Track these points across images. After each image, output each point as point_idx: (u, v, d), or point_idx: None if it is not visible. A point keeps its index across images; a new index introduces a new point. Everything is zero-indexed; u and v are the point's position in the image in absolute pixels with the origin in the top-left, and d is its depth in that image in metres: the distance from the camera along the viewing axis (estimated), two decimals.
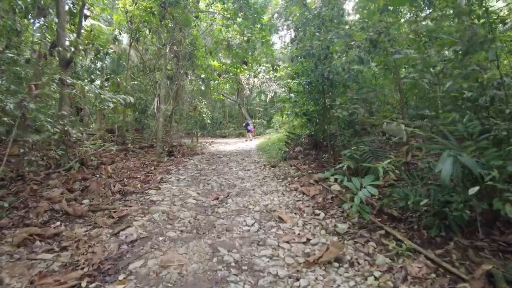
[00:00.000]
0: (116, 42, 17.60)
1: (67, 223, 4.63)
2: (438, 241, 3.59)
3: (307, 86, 7.14)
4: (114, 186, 6.58)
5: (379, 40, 4.64)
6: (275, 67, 12.03)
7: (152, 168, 9.40)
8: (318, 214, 4.69)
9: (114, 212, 5.11)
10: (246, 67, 15.24)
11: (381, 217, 4.31)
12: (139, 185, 7.02)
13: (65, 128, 6.60)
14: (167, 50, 12.83)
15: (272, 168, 8.88)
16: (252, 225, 4.36)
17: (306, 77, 6.75)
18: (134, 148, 12.79)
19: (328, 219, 4.49)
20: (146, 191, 6.52)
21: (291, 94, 8.44)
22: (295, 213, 4.79)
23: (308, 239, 3.82)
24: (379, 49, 4.84)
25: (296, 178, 7.17)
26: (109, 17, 19.12)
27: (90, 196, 6.02)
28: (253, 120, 29.26)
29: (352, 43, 4.70)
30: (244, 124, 24.55)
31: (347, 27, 5.90)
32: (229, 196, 6.05)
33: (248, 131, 23.37)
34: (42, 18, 9.18)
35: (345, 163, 5.14)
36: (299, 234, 3.99)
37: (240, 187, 6.92)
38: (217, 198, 5.91)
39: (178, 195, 6.22)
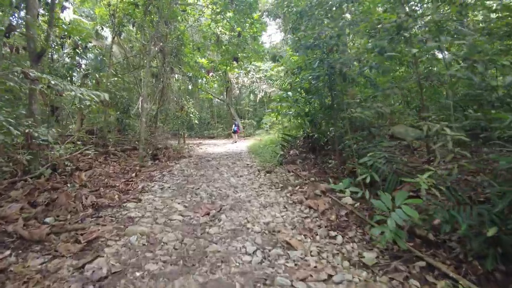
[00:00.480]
0: (99, 37, 16.54)
1: (20, 251, 3.65)
2: (499, 277, 2.78)
3: (313, 82, 6.26)
4: (86, 199, 5.58)
5: (405, 26, 3.83)
6: (277, 58, 11.06)
7: (134, 174, 8.42)
8: (335, 237, 3.83)
9: (82, 234, 4.14)
10: (236, 64, 14.33)
11: (413, 242, 3.48)
12: (116, 196, 6.04)
13: (27, 130, 5.61)
14: (152, 45, 11.84)
15: (268, 175, 8.01)
16: (253, 253, 3.47)
17: (312, 71, 5.87)
18: (115, 151, 11.75)
19: (348, 244, 3.63)
20: (124, 204, 5.55)
21: (288, 93, 7.57)
22: (305, 235, 3.91)
23: (330, 275, 2.96)
24: (403, 37, 4.03)
25: (297, 187, 6.32)
26: (91, 12, 17.98)
27: (56, 211, 5.03)
28: (243, 121, 28.36)
29: (379, 26, 3.88)
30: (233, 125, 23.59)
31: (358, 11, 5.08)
32: (222, 211, 5.14)
33: (234, 132, 22.35)
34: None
35: (366, 174, 4.30)
36: (315, 267, 3.13)
37: (233, 198, 6.02)
38: (208, 213, 5.00)
39: (162, 209, 5.28)
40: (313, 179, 6.77)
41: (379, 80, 7.21)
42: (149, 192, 6.66)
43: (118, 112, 12.45)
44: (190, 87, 18.43)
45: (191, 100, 19.35)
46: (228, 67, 16.01)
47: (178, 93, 18.90)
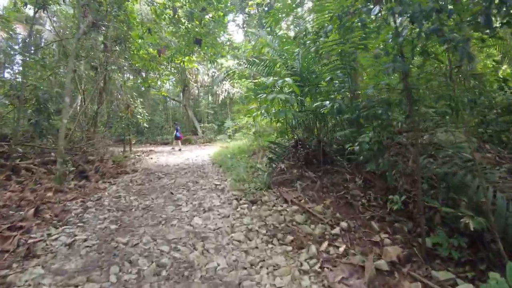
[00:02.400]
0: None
1: None
2: None
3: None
4: None
5: None
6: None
7: (32, 210, 5.08)
8: None
9: None
10: (197, 50, 11.23)
11: None
12: None
13: None
14: (82, 16, 8.45)
15: (254, 207, 5.07)
16: None
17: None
18: (31, 164, 8.23)
19: None
20: None
21: (287, 79, 4.71)
22: None
23: None
24: None
25: (325, 245, 3.45)
26: None
27: None
28: (202, 125, 25.09)
29: None
30: (175, 126, 19.78)
31: None
32: None
33: (177, 138, 18.85)
34: None
35: None
36: None
37: (206, 276, 3.03)
38: None
39: None
40: (345, 224, 3.93)
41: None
42: (38, 258, 3.49)
43: (30, 111, 8.86)
44: (140, 83, 14.88)
45: (139, 98, 15.89)
46: (187, 58, 12.85)
47: (123, 89, 15.40)
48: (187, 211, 5.16)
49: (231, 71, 6.50)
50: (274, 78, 5.12)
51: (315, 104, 4.27)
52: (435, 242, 2.97)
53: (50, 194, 6.41)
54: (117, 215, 5.17)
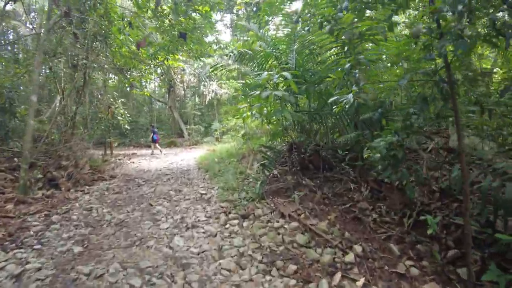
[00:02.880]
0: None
1: None
2: None
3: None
4: None
5: None
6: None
7: None
8: None
9: None
10: (184, 46, 10.43)
11: None
12: None
13: None
14: (53, 5, 7.61)
15: (245, 223, 4.34)
16: None
17: None
18: None
19: None
20: None
21: (285, 73, 4.01)
22: None
23: None
24: None
25: (339, 278, 2.75)
26: None
27: None
28: (188, 127, 24.18)
29: None
30: (151, 129, 18.36)
31: None
32: None
33: (154, 140, 17.40)
34: None
35: None
36: None
37: None
38: None
39: None
40: (360, 247, 3.24)
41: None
42: None
43: None
44: (121, 82, 13.94)
45: (120, 99, 14.99)
46: (172, 56, 12.05)
47: (104, 89, 14.47)
48: (167, 228, 4.40)
49: (218, 65, 5.78)
50: (269, 72, 4.43)
51: (332, 99, 3.58)
52: (487, 279, 2.29)
53: (10, 206, 5.57)
54: (85, 233, 4.38)
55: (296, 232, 3.77)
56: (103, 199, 6.40)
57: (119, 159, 13.70)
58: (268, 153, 6.57)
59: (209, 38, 22.58)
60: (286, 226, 3.96)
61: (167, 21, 9.51)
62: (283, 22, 8.08)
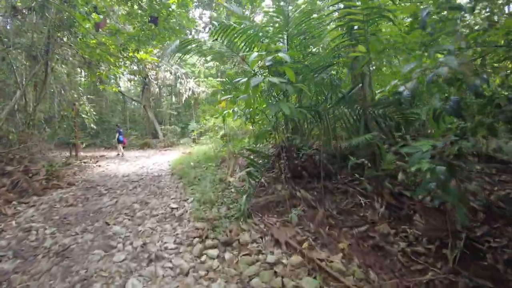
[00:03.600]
0: None
1: None
2: None
3: None
4: None
5: None
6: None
7: None
8: None
9: None
10: (157, 32, 9.16)
11: None
12: None
13: None
14: None
15: (228, 254, 3.23)
16: None
17: None
18: None
19: None
20: None
21: (282, 54, 2.97)
22: None
23: None
24: None
25: None
26: None
27: None
28: (162, 127, 22.73)
29: None
30: (116, 129, 17.01)
31: None
32: None
33: (119, 141, 16.05)
34: None
35: None
36: None
37: None
38: None
39: None
40: None
41: None
42: None
43: None
44: (86, 76, 12.44)
45: (89, 95, 13.54)
46: (144, 49, 10.79)
47: (68, 84, 12.94)
48: (122, 261, 3.24)
49: (190, 40, 4.60)
50: (260, 52, 3.36)
51: (388, 87, 2.53)
52: None
53: None
54: (8, 269, 3.19)
55: (300, 271, 2.71)
56: (50, 214, 5.15)
57: (85, 162, 12.27)
58: (254, 158, 5.50)
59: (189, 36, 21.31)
60: (284, 260, 2.89)
61: (136, 5, 8.28)
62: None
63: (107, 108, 27.61)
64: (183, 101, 22.04)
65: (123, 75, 13.17)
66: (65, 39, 11.07)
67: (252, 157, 5.71)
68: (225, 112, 5.23)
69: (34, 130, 11.18)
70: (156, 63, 17.68)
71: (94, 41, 10.47)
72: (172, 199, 5.65)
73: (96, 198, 6.19)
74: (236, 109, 6.00)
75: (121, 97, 27.63)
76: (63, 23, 10.20)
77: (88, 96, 13.78)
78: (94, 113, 12.67)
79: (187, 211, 4.73)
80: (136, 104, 28.83)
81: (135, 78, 14.81)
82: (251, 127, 7.36)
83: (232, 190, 5.30)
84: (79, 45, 10.88)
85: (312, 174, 5.01)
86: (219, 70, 21.48)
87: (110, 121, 25.89)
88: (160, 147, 20.10)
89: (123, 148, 16.03)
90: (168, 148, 19.60)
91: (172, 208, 4.97)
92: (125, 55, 10.35)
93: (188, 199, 5.44)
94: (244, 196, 4.10)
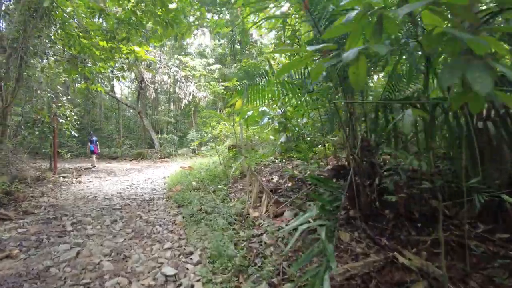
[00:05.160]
0: None
1: None
2: None
3: None
4: None
5: None
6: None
7: None
8: None
9: None
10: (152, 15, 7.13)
11: None
12: None
13: None
14: None
15: None
16: None
17: None
18: None
19: None
20: None
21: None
22: None
23: None
24: None
25: None
26: None
27: None
28: (159, 136, 20.57)
29: None
30: (89, 138, 15.04)
31: None
32: None
33: (92, 152, 14.11)
34: None
35: None
36: None
37: None
38: None
39: None
40: None
41: None
42: None
43: None
44: (65, 71, 10.34)
45: (65, 95, 11.44)
46: (136, 41, 8.79)
47: (47, 83, 10.82)
48: None
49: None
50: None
51: None
52: None
53: None
54: None
55: None
56: None
57: (64, 177, 10.14)
58: (326, 189, 3.41)
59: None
60: None
61: None
62: None
63: (101, 115, 25.56)
64: (182, 107, 19.97)
65: (112, 73, 11.08)
66: (43, 27, 9.04)
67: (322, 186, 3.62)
68: (249, 113, 3.21)
69: (2, 137, 9.11)
70: (152, 62, 15.67)
71: (80, 32, 8.45)
72: (166, 249, 3.52)
73: (53, 241, 4.07)
74: (265, 108, 3.95)
75: (114, 103, 25.59)
76: (39, 8, 8.27)
77: (69, 97, 11.67)
78: (75, 117, 10.51)
79: (192, 287, 2.61)
80: (132, 111, 26.75)
81: (124, 74, 12.68)
82: (279, 135, 5.25)
83: (265, 238, 3.21)
84: (60, 35, 8.95)
85: (403, 214, 2.97)
86: (222, 74, 19.49)
87: (101, 128, 23.81)
88: (156, 158, 17.97)
89: (93, 158, 13.96)
90: (165, 160, 17.50)
91: (167, 277, 2.84)
92: (113, 45, 8.29)
93: (192, 253, 3.31)
94: (323, 274, 1.96)
